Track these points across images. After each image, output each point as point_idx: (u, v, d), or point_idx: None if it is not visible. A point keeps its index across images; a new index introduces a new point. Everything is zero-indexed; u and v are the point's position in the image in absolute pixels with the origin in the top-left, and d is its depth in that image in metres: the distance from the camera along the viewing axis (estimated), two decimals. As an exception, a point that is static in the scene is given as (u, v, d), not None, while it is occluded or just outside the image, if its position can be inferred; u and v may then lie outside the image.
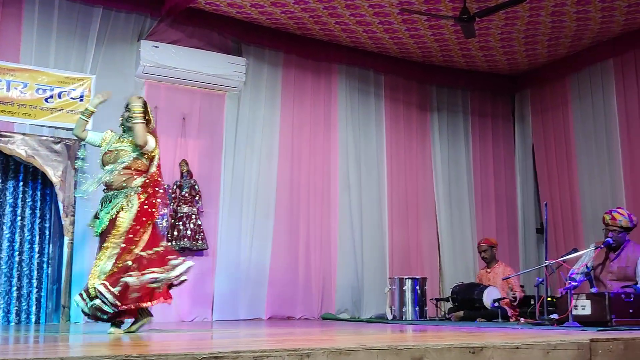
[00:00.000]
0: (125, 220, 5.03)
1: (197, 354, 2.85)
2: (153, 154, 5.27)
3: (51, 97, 7.11)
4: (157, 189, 5.24)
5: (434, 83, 9.66)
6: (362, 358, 3.18)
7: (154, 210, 5.15)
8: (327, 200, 8.67)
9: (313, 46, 8.66)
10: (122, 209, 5.06)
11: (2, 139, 6.85)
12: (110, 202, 5.12)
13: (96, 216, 5.21)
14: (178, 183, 7.71)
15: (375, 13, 7.71)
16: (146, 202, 5.12)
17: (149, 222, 5.11)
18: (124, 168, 5.16)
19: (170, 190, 7.63)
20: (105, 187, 5.21)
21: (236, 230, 8.03)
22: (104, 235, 5.10)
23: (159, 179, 5.31)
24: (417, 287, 7.83)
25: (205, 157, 8.01)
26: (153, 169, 5.25)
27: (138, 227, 5.04)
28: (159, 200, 5.24)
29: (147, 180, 5.18)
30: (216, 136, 8.10)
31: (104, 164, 5.26)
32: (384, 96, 9.30)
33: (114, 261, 4.97)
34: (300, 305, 8.24)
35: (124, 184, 5.12)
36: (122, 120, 5.37)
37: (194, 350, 2.97)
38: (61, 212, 7.08)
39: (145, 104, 5.33)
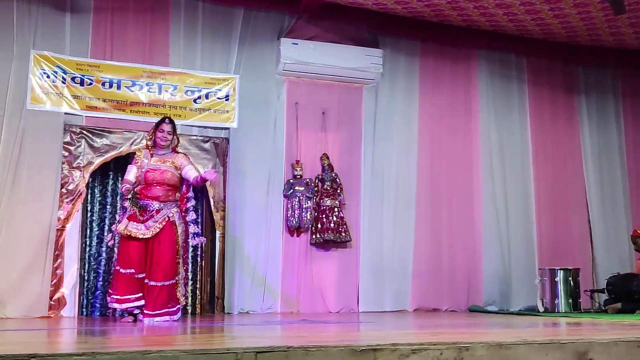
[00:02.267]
0: None
1: (356, 346, 2.86)
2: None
3: (199, 98, 7.42)
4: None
5: (580, 64, 9.21)
6: (523, 352, 3.08)
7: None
8: (469, 190, 8.49)
9: (451, 33, 8.48)
10: None
11: (157, 139, 7.22)
12: None
13: None
14: (320, 176, 7.82)
15: (516, -5, 7.44)
16: None
17: None
18: None
19: (312, 184, 7.76)
20: None
21: (378, 222, 8.03)
22: None
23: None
24: (570, 278, 7.52)
25: (346, 150, 8.07)
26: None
27: None
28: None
29: None
30: (355, 129, 8.14)
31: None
32: (526, 80, 8.98)
33: None
34: (446, 297, 8.12)
35: None
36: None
37: (352, 342, 2.99)
38: (212, 207, 7.39)
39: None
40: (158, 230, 5.70)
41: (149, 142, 6.02)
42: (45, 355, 2.52)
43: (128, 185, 5.78)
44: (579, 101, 9.19)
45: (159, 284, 5.67)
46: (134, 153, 6.23)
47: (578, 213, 8.91)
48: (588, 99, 9.21)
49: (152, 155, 5.90)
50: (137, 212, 5.73)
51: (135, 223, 5.70)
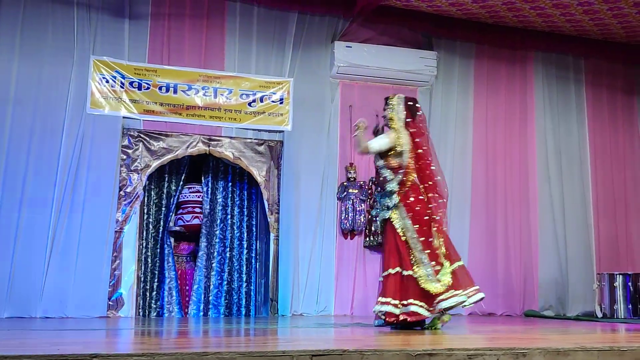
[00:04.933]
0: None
1: (411, 350, 2.86)
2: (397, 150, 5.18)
3: (254, 101, 7.49)
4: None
5: (640, 64, 9.00)
6: (581, 359, 3.03)
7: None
8: (525, 193, 8.36)
9: (506, 34, 8.38)
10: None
11: (212, 142, 7.33)
12: None
13: None
14: (373, 179, 7.80)
15: (573, -6, 7.31)
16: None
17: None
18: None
19: (366, 187, 7.75)
20: None
21: (432, 226, 7.95)
22: None
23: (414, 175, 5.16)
24: (630, 284, 7.34)
25: (400, 153, 8.01)
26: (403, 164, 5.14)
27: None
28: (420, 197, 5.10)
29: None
30: (409, 132, 8.08)
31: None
32: (584, 81, 8.80)
33: None
34: (502, 302, 8.01)
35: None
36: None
37: (407, 347, 2.99)
38: (266, 209, 7.45)
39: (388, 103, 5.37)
40: None
41: None
42: (106, 355, 2.59)
43: None
44: (639, 103, 8.96)
45: None
46: None
47: (638, 217, 8.68)
48: (648, 101, 8.98)
49: None
50: None
51: None
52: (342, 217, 7.64)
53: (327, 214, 7.61)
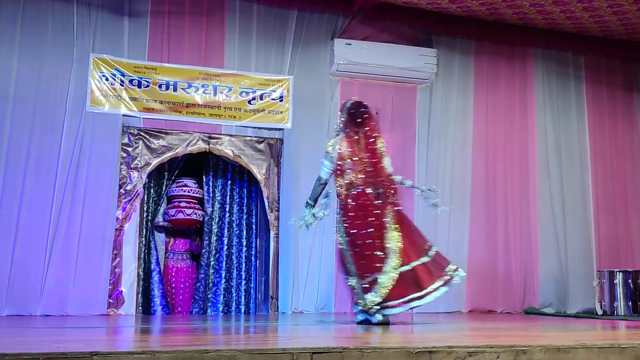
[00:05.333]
0: None
1: (411, 348, 2.86)
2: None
3: (253, 99, 7.49)
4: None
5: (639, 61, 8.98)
6: (582, 356, 3.03)
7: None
8: (525, 190, 8.36)
9: (506, 31, 8.38)
10: None
11: (212, 140, 7.33)
12: None
13: None
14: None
15: (573, -9, 7.31)
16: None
17: None
18: None
19: (366, 185, 7.73)
20: None
21: (432, 223, 7.94)
22: None
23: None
24: (630, 281, 7.34)
25: (399, 151, 8.01)
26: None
27: None
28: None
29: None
30: (409, 129, 8.09)
31: None
32: (584, 78, 8.80)
33: None
34: (502, 299, 8.01)
35: None
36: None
37: (408, 344, 2.99)
38: (266, 207, 7.44)
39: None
40: None
41: None
42: (106, 353, 2.58)
43: None
44: (638, 99, 8.96)
45: None
46: None
47: (638, 213, 8.69)
48: (648, 97, 8.98)
49: None
50: None
51: None
52: (342, 215, 7.62)
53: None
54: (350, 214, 5.26)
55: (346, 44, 7.72)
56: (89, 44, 7.03)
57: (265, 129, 7.53)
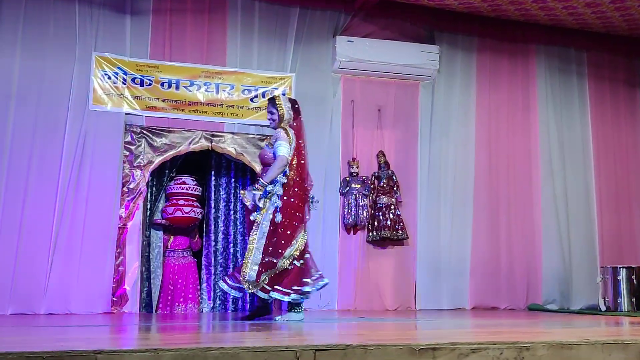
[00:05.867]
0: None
1: (415, 344, 2.86)
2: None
3: (256, 96, 7.49)
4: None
5: (642, 57, 8.98)
6: (585, 353, 3.02)
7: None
8: (528, 187, 8.36)
9: (508, 28, 8.38)
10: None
11: (214, 138, 7.33)
12: None
13: None
14: (376, 174, 7.81)
15: (575, -13, 7.30)
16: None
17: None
18: None
19: (369, 182, 7.75)
20: None
21: (435, 220, 7.98)
22: None
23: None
24: (633, 277, 7.32)
25: (402, 147, 8.03)
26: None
27: None
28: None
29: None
30: (411, 126, 8.09)
31: None
32: (587, 74, 8.79)
33: None
34: (505, 296, 8.02)
35: None
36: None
37: (411, 341, 2.99)
38: (269, 205, 7.42)
39: (271, 100, 5.72)
40: None
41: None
42: (109, 352, 2.59)
43: None
44: (642, 95, 8.96)
45: None
46: None
47: (642, 210, 8.69)
48: (651, 93, 8.96)
49: None
50: None
51: None
52: (345, 212, 7.64)
53: (330, 209, 7.61)
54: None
55: (348, 41, 7.72)
56: (91, 43, 7.04)
57: (268, 126, 7.49)
